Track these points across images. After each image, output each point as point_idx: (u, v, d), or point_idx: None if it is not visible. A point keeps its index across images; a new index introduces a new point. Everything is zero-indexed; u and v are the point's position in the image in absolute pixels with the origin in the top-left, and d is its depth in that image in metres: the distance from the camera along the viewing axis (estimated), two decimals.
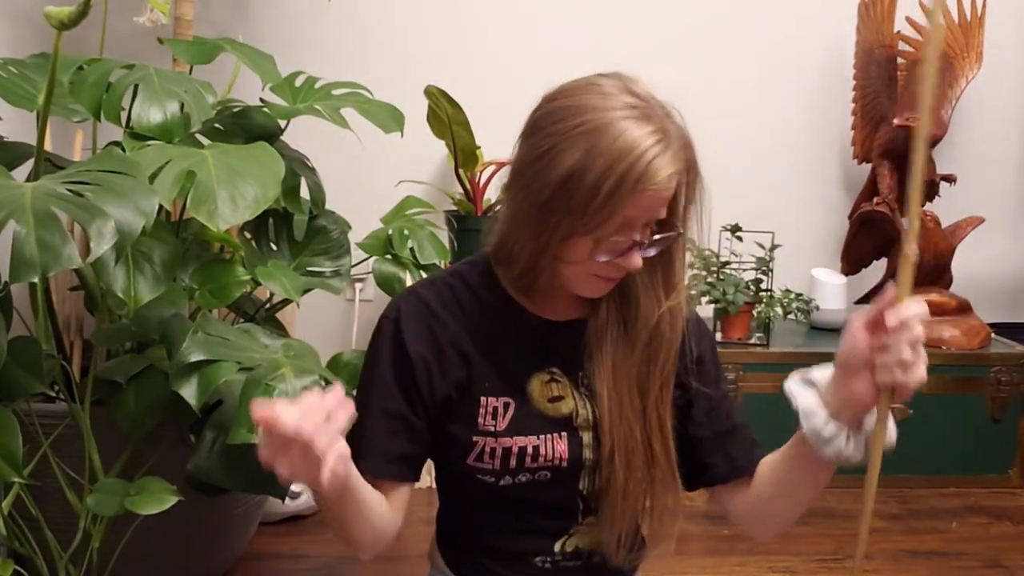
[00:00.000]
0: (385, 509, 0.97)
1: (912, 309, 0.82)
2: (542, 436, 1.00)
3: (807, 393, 0.93)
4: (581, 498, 1.04)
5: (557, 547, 1.05)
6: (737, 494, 1.05)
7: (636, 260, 0.94)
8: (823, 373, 0.93)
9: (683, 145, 0.94)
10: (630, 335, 1.00)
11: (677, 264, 1.00)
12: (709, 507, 1.15)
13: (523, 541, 1.05)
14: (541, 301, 1.03)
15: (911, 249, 0.84)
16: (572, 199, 0.90)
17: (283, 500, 1.42)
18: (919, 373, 0.84)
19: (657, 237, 0.95)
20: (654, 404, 1.00)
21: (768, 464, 1.02)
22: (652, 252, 0.96)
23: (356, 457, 0.93)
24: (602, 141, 0.89)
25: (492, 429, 0.99)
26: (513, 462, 1.00)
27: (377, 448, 0.99)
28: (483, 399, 1.00)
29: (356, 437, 0.97)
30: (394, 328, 1.00)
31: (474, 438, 0.99)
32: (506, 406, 1.00)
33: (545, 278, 0.99)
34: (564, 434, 1.01)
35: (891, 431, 0.92)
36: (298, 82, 1.81)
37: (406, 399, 0.99)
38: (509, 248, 0.99)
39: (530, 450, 1.00)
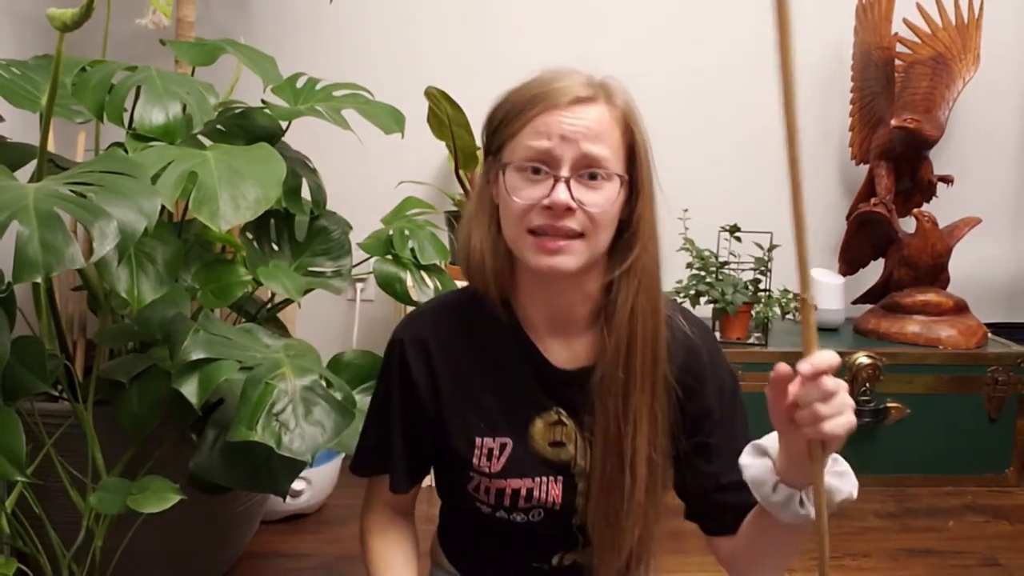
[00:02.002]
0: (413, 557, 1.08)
1: (823, 360, 0.75)
2: (537, 479, 1.00)
3: (758, 463, 0.88)
4: (578, 530, 1.03)
5: (555, 560, 1.06)
6: (721, 544, 1.02)
7: (558, 192, 0.89)
8: (772, 439, 0.87)
9: (618, 102, 0.94)
10: (629, 372, 0.95)
11: (632, 242, 0.95)
12: None
13: (521, 553, 1.06)
14: (553, 347, 1.00)
15: (809, 296, 0.77)
16: (493, 134, 0.95)
17: (284, 499, 1.43)
18: (841, 423, 0.76)
19: (585, 171, 0.90)
20: (631, 422, 0.95)
21: (745, 524, 0.98)
22: (583, 193, 0.90)
23: (380, 469, 1.03)
24: (519, 86, 0.95)
25: (487, 471, 1.00)
26: (507, 501, 1.00)
27: (398, 458, 1.04)
28: (478, 440, 0.99)
29: (376, 448, 1.04)
30: (399, 350, 1.01)
31: (470, 473, 1.00)
32: (502, 447, 0.99)
33: (514, 274, 0.98)
34: (560, 479, 1.00)
35: (841, 486, 0.84)
36: (299, 83, 1.82)
37: (414, 415, 1.01)
38: (470, 242, 0.98)
39: (523, 492, 1.00)
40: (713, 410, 1.01)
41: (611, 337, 0.95)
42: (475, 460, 1.00)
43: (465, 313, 1.01)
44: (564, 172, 0.89)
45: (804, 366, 0.75)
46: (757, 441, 0.89)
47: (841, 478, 0.84)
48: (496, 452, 0.99)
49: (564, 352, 1.00)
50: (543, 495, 1.00)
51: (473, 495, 1.02)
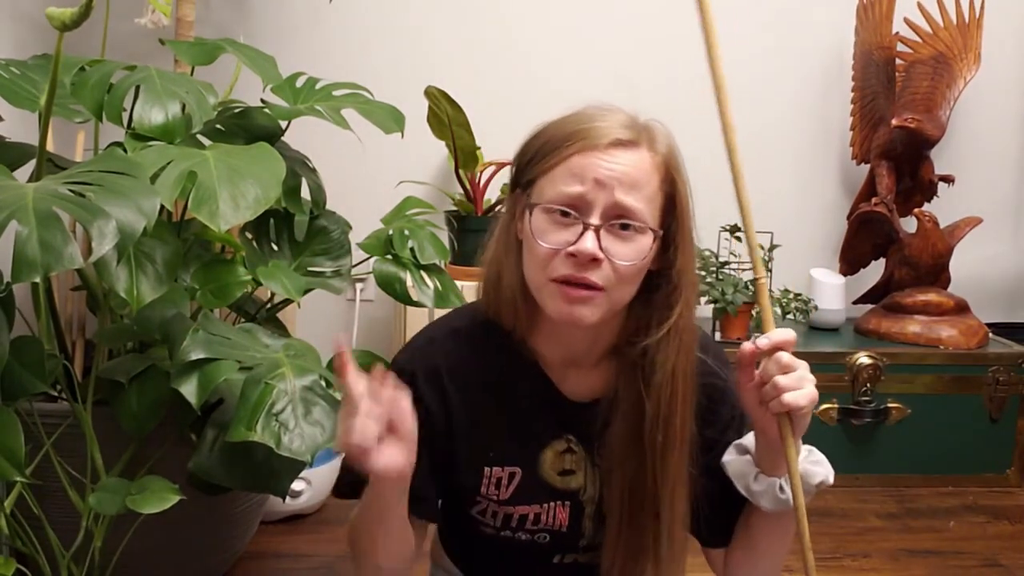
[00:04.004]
0: (412, 545, 0.97)
1: (779, 334, 0.83)
2: (545, 505, 0.99)
3: (740, 458, 0.93)
4: (582, 548, 1.04)
5: (556, 559, 1.06)
6: (717, 556, 1.04)
7: (585, 241, 0.84)
8: (750, 437, 0.93)
9: (661, 148, 0.90)
10: (644, 407, 0.92)
11: (674, 299, 0.91)
12: None
13: (521, 558, 1.06)
14: (566, 379, 0.99)
15: (760, 274, 0.88)
16: (524, 168, 0.91)
17: (284, 499, 1.42)
18: (802, 394, 0.82)
19: (616, 220, 0.86)
20: (670, 481, 0.93)
21: (736, 527, 1.01)
22: (612, 243, 0.86)
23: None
24: (557, 120, 0.91)
25: (495, 498, 0.99)
26: (514, 523, 1.00)
27: (426, 492, 0.98)
28: (486, 470, 0.98)
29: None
30: (411, 383, 0.95)
31: (477, 497, 1.00)
32: (511, 476, 0.98)
33: (534, 313, 0.93)
34: (568, 504, 1.00)
35: (817, 470, 0.91)
36: (299, 83, 1.81)
37: (430, 446, 0.96)
38: (500, 282, 0.94)
39: (531, 517, 1.00)
40: (723, 438, 0.99)
41: (651, 399, 0.91)
42: (483, 488, 0.99)
43: (476, 342, 0.98)
44: (594, 220, 0.85)
45: (762, 340, 0.83)
46: (738, 440, 0.95)
47: (816, 464, 0.91)
48: (504, 481, 0.98)
49: (577, 384, 0.99)
50: (550, 519, 1.00)
51: (478, 518, 1.02)
